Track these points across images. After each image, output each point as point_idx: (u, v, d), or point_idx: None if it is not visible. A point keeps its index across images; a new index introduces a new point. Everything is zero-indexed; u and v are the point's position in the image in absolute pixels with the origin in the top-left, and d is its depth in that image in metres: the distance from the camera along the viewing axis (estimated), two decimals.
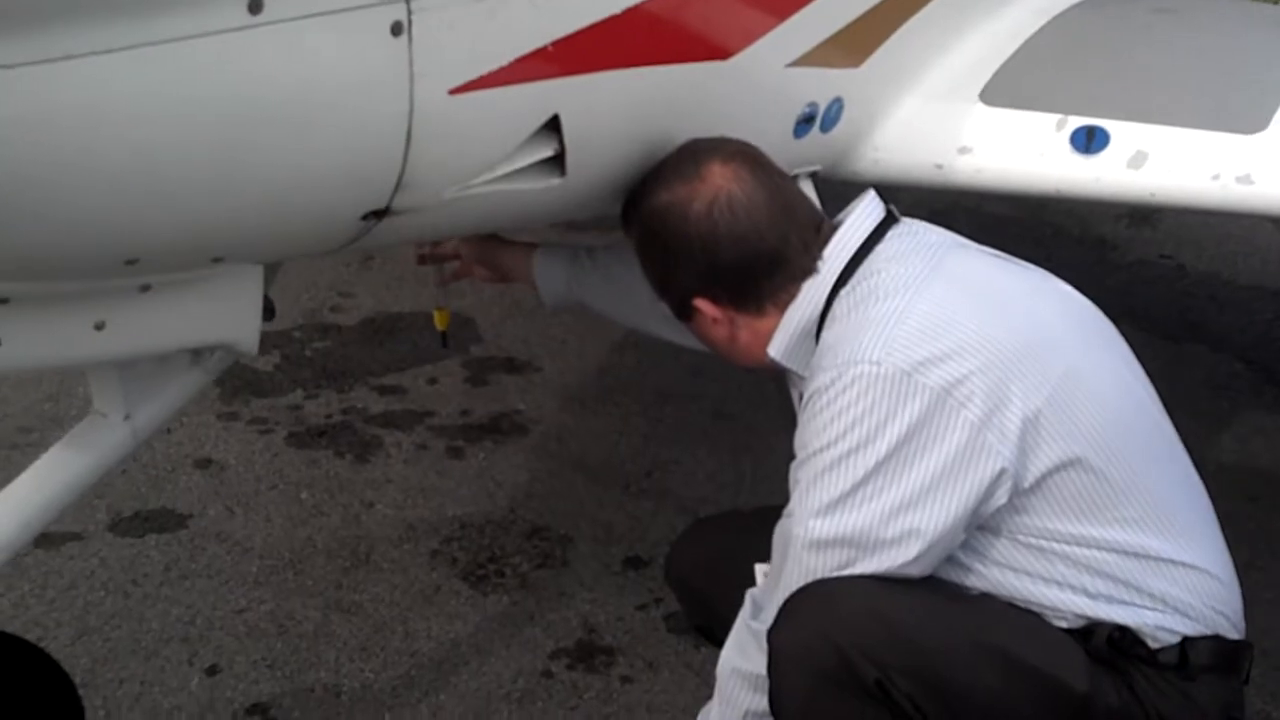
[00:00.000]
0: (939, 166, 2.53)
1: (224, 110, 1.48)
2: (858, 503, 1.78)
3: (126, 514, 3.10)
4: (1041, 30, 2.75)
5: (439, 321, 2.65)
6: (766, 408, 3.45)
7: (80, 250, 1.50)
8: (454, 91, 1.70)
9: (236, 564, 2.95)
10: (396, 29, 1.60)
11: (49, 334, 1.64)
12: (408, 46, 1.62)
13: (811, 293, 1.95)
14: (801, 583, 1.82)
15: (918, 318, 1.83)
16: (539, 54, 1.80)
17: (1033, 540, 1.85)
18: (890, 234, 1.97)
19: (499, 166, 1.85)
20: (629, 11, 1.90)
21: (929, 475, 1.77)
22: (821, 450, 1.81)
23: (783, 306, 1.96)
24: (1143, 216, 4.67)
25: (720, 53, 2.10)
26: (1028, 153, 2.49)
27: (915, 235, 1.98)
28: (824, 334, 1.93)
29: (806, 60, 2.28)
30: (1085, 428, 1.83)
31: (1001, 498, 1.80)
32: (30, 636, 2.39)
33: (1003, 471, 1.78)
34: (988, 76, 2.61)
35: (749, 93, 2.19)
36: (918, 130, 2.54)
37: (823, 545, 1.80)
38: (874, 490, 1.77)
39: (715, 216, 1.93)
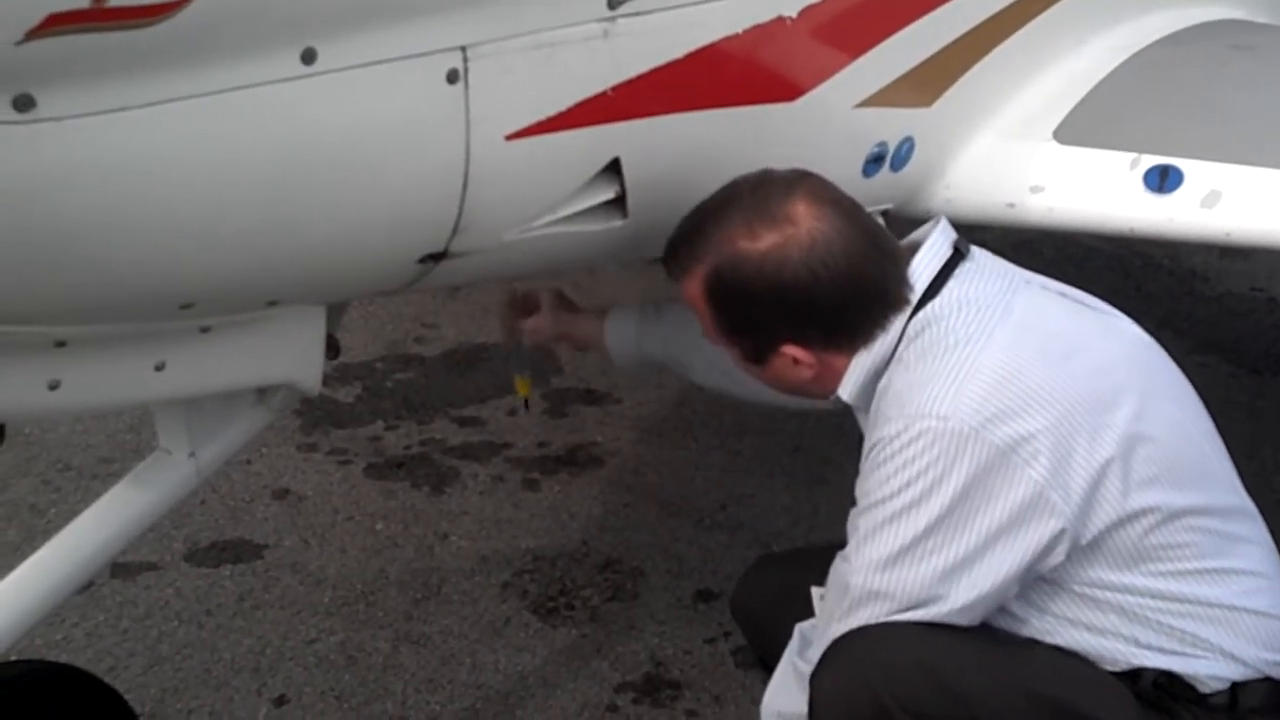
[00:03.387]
0: (1011, 205, 2.49)
1: (277, 159, 1.50)
2: (916, 559, 1.76)
3: (203, 544, 3.15)
4: (1118, 68, 2.71)
5: (521, 389, 2.62)
6: (843, 442, 3.41)
7: (135, 296, 1.53)
8: (511, 137, 1.71)
9: (309, 595, 2.98)
10: (452, 76, 1.62)
11: (109, 375, 1.67)
12: (464, 93, 1.63)
13: (887, 334, 1.91)
14: (849, 628, 1.81)
15: (987, 371, 1.80)
16: (598, 99, 1.80)
17: (1085, 590, 1.82)
18: (959, 271, 1.94)
19: (559, 209, 1.86)
20: (690, 56, 1.90)
21: (988, 532, 1.75)
22: (883, 502, 1.80)
23: (874, 340, 1.91)
24: (1234, 248, 4.58)
25: (786, 94, 2.10)
26: (1100, 192, 2.45)
27: (983, 274, 1.94)
28: (891, 377, 1.89)
29: (876, 100, 2.26)
30: (1149, 480, 1.80)
31: (1059, 556, 1.77)
32: (102, 667, 2.44)
33: (1063, 531, 1.76)
34: (1062, 115, 2.57)
35: (816, 133, 2.17)
36: (990, 169, 2.51)
37: (876, 597, 1.78)
38: (933, 547, 1.76)
39: (814, 263, 1.86)
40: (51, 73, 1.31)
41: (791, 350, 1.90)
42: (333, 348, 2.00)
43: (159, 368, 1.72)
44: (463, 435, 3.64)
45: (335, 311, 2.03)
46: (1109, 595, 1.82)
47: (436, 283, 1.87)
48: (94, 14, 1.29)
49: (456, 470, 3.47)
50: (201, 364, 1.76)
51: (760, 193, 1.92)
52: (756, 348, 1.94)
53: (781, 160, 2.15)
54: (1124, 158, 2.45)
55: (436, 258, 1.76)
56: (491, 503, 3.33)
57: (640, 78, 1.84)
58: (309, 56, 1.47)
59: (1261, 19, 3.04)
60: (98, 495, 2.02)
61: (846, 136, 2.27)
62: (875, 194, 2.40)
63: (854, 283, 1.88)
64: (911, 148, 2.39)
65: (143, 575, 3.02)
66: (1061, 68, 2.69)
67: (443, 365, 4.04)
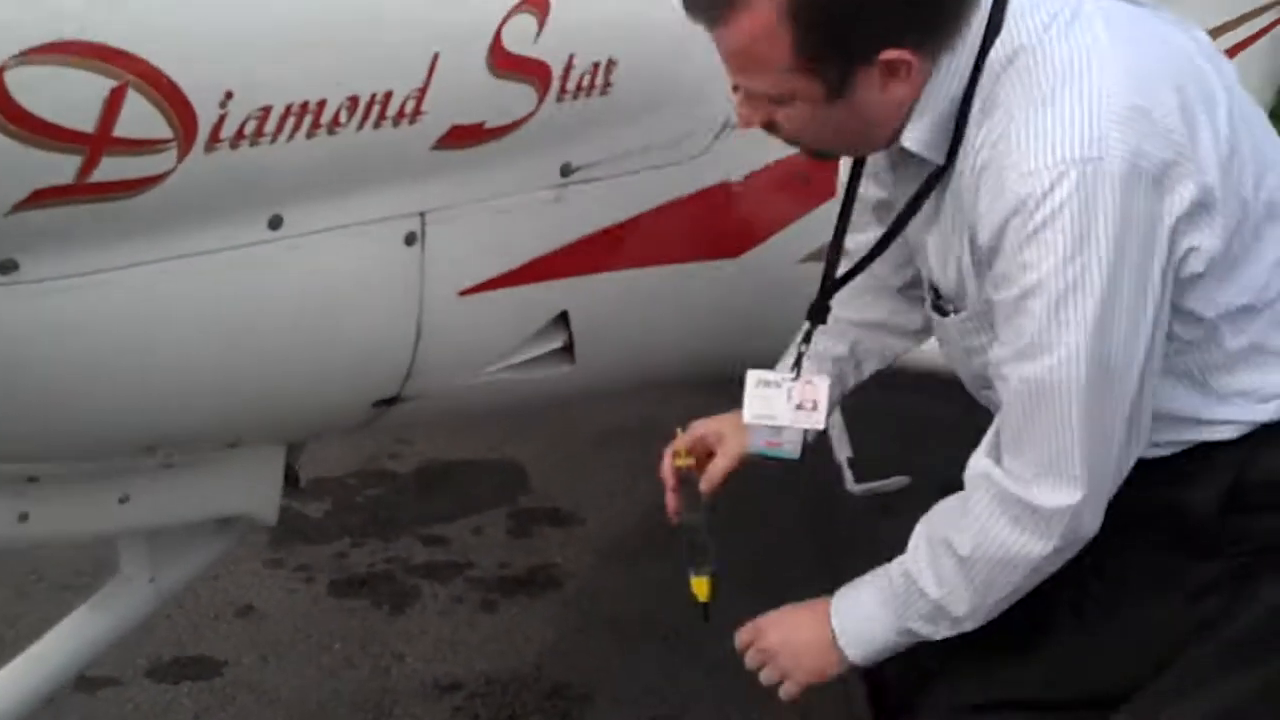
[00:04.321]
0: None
1: (243, 316, 1.62)
2: (1122, 312, 1.57)
3: (165, 659, 3.21)
4: None
5: (699, 591, 1.92)
6: (802, 564, 3.50)
7: (104, 440, 1.64)
8: (464, 293, 1.84)
9: (263, 714, 3.02)
10: (410, 239, 1.75)
11: (75, 508, 1.78)
12: (420, 254, 1.77)
13: (956, 60, 1.63)
14: (1078, 429, 1.60)
15: (1119, 94, 1.56)
16: (549, 257, 1.94)
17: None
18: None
19: (509, 358, 1.99)
20: (639, 217, 2.04)
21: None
22: (1062, 266, 1.55)
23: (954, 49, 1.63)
24: None
25: (730, 251, 2.24)
26: None
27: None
28: (994, 126, 1.61)
29: (819, 255, 2.39)
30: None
31: (1205, 231, 1.60)
32: None
33: (1205, 189, 1.58)
34: None
35: (759, 288, 2.30)
36: None
37: (1103, 370, 1.58)
38: (1131, 290, 1.57)
39: None
40: (35, 239, 1.43)
41: (892, 55, 1.58)
42: (292, 480, 2.10)
43: (123, 500, 1.83)
44: (427, 554, 3.72)
45: (295, 445, 2.14)
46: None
47: (391, 424, 1.99)
48: (79, 189, 1.41)
49: (418, 589, 3.54)
50: (164, 497, 1.86)
51: None
52: (846, 67, 1.59)
53: (725, 313, 2.28)
54: None
55: (390, 402, 1.87)
56: (449, 624, 3.40)
57: (589, 237, 1.98)
58: (276, 222, 1.60)
59: None
60: (70, 606, 2.10)
61: (789, 290, 2.39)
62: None
63: None
64: None
65: (104, 690, 3.07)
66: None
67: (414, 482, 4.12)
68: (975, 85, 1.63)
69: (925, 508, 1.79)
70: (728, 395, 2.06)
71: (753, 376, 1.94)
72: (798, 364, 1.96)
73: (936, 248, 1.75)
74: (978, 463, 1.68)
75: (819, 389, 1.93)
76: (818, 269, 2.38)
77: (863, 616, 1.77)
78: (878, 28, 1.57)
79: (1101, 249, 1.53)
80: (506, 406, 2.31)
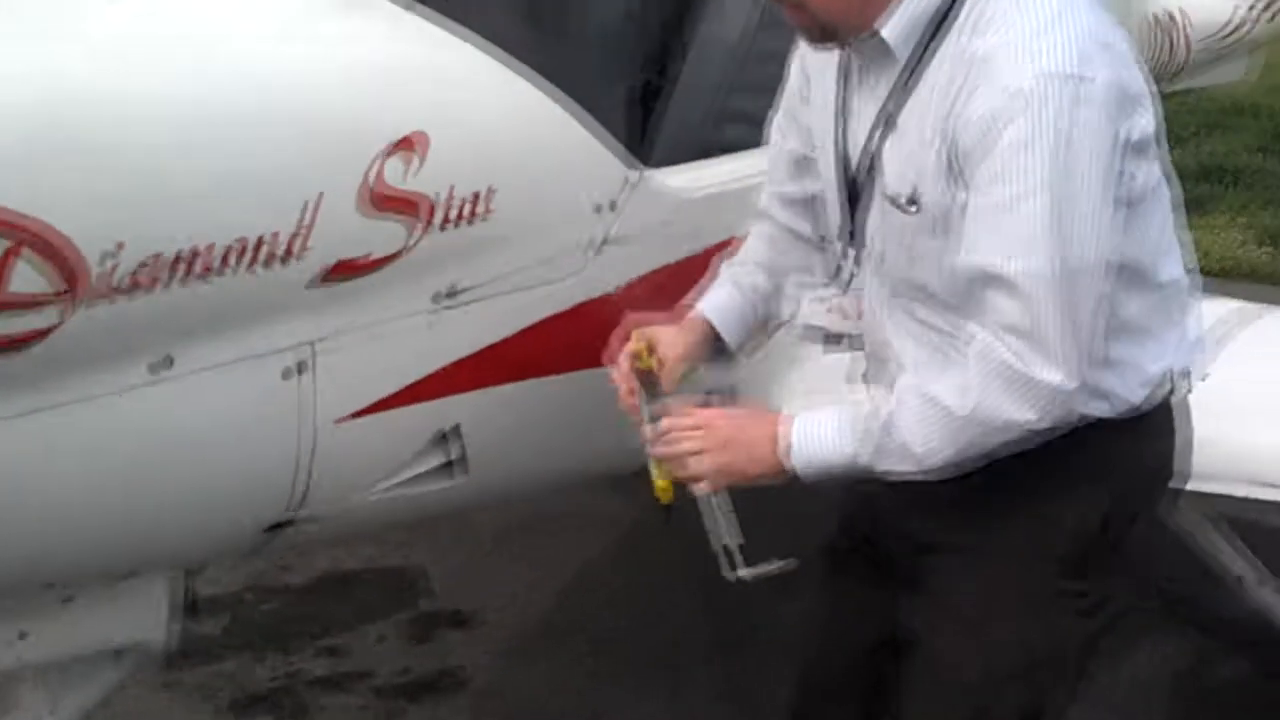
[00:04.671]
0: None
1: (136, 453, 1.68)
2: (1095, 205, 1.73)
3: None
4: None
5: (663, 494, 1.95)
6: (701, 651, 3.56)
7: (3, 579, 1.67)
8: (351, 417, 1.91)
9: None
10: (297, 369, 1.82)
11: None
12: (308, 383, 1.83)
13: None
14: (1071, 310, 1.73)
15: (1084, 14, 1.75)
16: (433, 377, 2.01)
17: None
18: None
19: (398, 474, 2.05)
20: (520, 333, 2.13)
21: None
22: (1036, 166, 1.69)
23: None
24: None
25: (611, 359, 2.31)
26: None
27: None
28: (973, 39, 1.75)
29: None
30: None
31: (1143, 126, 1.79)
32: None
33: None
34: None
35: None
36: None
37: (1083, 265, 1.72)
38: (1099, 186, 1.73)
39: None
40: None
41: None
42: (190, 603, 2.13)
43: (22, 636, 1.85)
44: (328, 665, 3.71)
45: (192, 570, 2.17)
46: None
47: (286, 545, 2.04)
48: None
49: (319, 702, 3.53)
50: (63, 630, 1.89)
51: None
52: None
53: (610, 415, 2.36)
54: None
55: (282, 526, 1.93)
56: None
57: (473, 356, 2.06)
58: (166, 363, 1.66)
59: None
60: None
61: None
62: None
63: None
64: (734, 394, 2.61)
65: None
66: None
67: (311, 592, 4.11)
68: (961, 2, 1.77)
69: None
70: (624, 487, 2.14)
71: (807, 295, 2.04)
72: (848, 284, 2.00)
73: (895, 152, 1.82)
74: (982, 336, 1.75)
75: (862, 300, 1.99)
76: None
77: (820, 439, 1.83)
78: None
79: (1088, 156, 1.69)
80: (400, 520, 2.37)
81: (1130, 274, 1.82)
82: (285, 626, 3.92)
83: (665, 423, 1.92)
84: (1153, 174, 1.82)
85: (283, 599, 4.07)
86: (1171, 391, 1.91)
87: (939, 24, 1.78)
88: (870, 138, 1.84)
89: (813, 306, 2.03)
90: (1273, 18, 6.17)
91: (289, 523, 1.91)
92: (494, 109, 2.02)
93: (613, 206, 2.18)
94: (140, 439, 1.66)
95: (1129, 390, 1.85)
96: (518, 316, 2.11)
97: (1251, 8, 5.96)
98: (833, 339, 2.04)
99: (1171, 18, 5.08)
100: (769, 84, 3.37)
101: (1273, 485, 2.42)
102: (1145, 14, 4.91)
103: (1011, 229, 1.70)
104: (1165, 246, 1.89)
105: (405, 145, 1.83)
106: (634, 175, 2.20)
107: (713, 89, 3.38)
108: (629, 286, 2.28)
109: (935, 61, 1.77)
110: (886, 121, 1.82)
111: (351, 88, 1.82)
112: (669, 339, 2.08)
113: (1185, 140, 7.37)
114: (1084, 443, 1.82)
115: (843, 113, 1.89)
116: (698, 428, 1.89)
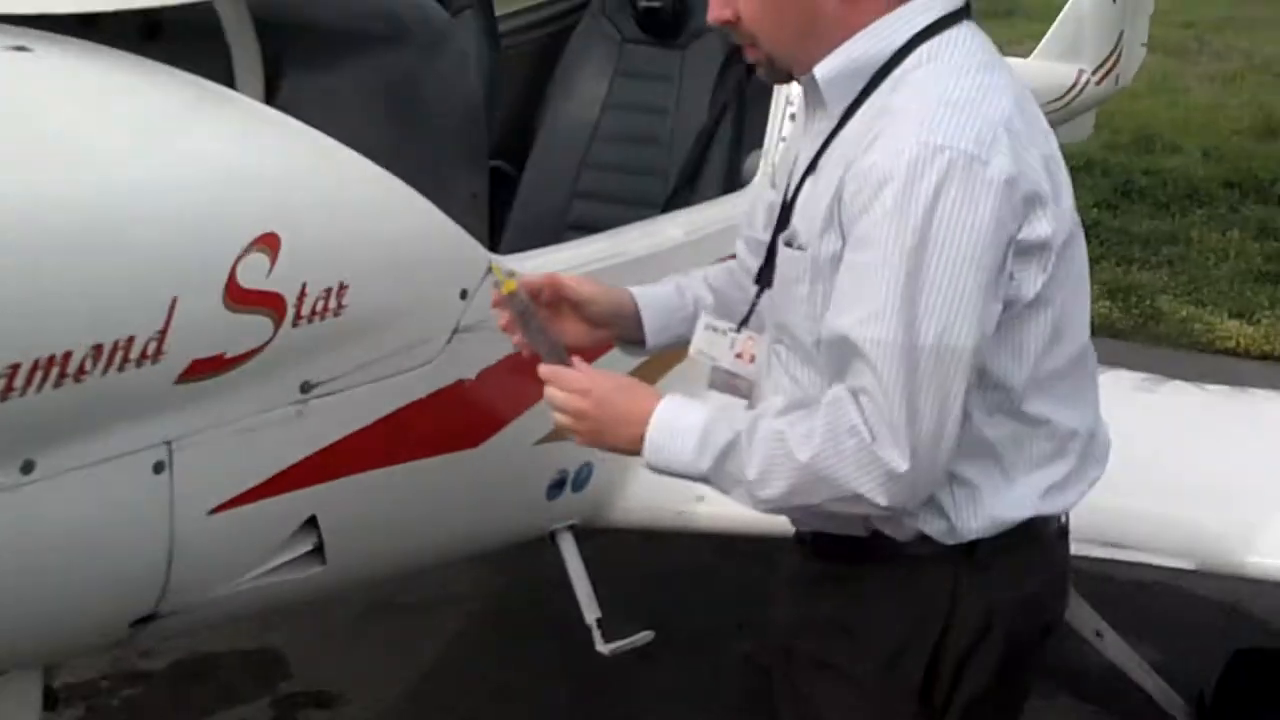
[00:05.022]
0: (680, 513, 2.81)
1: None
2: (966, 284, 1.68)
3: None
4: None
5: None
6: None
7: None
8: (213, 511, 1.94)
9: None
10: (158, 467, 1.85)
11: None
12: (169, 481, 1.86)
13: (896, 27, 1.78)
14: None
15: (1000, 108, 1.72)
16: (294, 469, 2.05)
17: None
18: (966, 23, 1.82)
19: (262, 565, 2.09)
20: (380, 421, 2.18)
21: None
22: (911, 229, 1.66)
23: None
24: None
25: (469, 442, 2.39)
26: None
27: (987, 40, 1.84)
28: (894, 97, 1.74)
29: (553, 436, 2.55)
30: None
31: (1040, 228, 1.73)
32: None
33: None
34: None
35: (499, 472, 2.46)
36: (660, 483, 2.80)
37: (938, 339, 1.68)
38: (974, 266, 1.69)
39: None
40: None
41: None
42: (50, 698, 2.13)
43: None
44: None
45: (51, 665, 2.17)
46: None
47: (152, 637, 2.05)
48: None
49: None
50: None
51: None
52: None
53: (468, 497, 2.43)
54: None
55: (147, 619, 1.95)
56: None
57: (332, 446, 2.11)
58: (28, 467, 1.69)
59: None
60: None
61: (528, 470, 2.56)
62: (560, 513, 2.70)
63: None
64: (590, 471, 2.71)
65: None
66: None
67: (170, 679, 4.07)
68: (898, 62, 1.76)
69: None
70: (487, 562, 2.19)
71: (703, 319, 2.01)
72: (745, 322, 1.99)
73: (808, 196, 1.82)
74: (837, 391, 1.72)
75: (758, 344, 1.97)
76: (553, 448, 2.58)
77: (674, 438, 1.79)
78: None
79: (962, 236, 1.65)
80: (266, 608, 2.39)
81: (994, 387, 1.77)
82: (144, 714, 3.87)
83: (546, 372, 1.89)
84: (1040, 287, 1.74)
85: (140, 686, 4.02)
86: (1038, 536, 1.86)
87: (878, 78, 1.77)
88: (802, 181, 1.84)
89: (708, 336, 2.00)
90: (1099, 81, 6.55)
91: (155, 616, 1.94)
92: (348, 202, 2.07)
93: (465, 295, 2.24)
94: (7, 539, 1.68)
95: (973, 521, 1.80)
96: (376, 406, 2.16)
97: (1095, 71, 6.33)
98: (723, 377, 2.01)
99: None
100: (619, 167, 3.52)
101: (1120, 546, 2.58)
102: None
103: (870, 294, 1.68)
104: (1047, 379, 1.80)
105: (260, 244, 1.88)
106: (485, 262, 2.27)
107: (565, 175, 3.51)
108: (486, 372, 2.35)
109: (859, 112, 1.77)
110: (811, 165, 1.82)
111: (205, 190, 1.86)
112: (587, 283, 2.06)
113: None
114: (939, 572, 1.80)
115: (795, 156, 1.90)
116: (576, 390, 1.86)
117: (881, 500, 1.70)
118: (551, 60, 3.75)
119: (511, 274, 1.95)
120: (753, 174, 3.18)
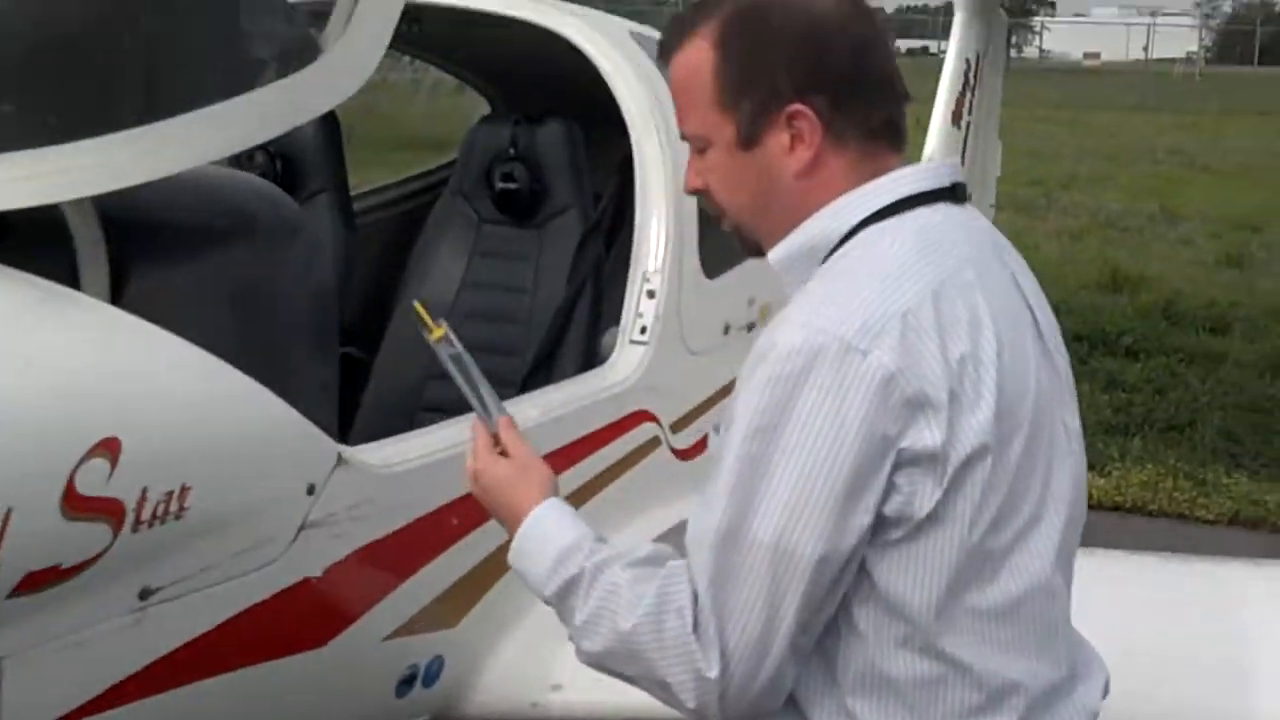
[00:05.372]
0: (534, 704, 2.79)
1: None
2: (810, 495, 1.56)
3: None
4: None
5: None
6: None
7: None
8: None
9: None
10: None
11: None
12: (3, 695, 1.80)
13: (846, 210, 1.67)
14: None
15: (896, 316, 1.56)
16: (132, 679, 2.00)
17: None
18: (942, 205, 1.69)
19: None
20: (221, 626, 2.13)
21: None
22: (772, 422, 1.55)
23: (858, 167, 1.68)
24: None
25: (316, 642, 2.35)
26: (611, 683, 2.77)
27: (966, 227, 1.70)
28: (816, 281, 1.64)
29: (403, 630, 2.54)
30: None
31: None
32: None
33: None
34: None
35: (346, 671, 2.42)
36: (514, 674, 2.81)
37: (776, 539, 1.55)
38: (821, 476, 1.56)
39: (845, 8, 1.69)
40: None
41: (797, 109, 1.65)
42: None
43: None
44: None
45: None
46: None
47: None
48: None
49: None
50: None
51: None
52: (759, 111, 1.67)
53: (316, 697, 2.37)
54: None
55: None
56: None
57: (173, 653, 2.06)
58: None
59: None
60: None
61: (377, 667, 2.53)
62: (411, 709, 2.66)
63: (875, 51, 1.70)
64: (441, 665, 2.67)
65: None
66: None
67: None
68: (845, 242, 1.65)
69: None
70: None
71: None
72: None
73: None
74: (676, 566, 1.63)
75: None
76: (402, 643, 2.54)
77: (536, 548, 1.73)
78: (787, 73, 1.65)
79: (815, 431, 1.51)
80: None
81: (894, 614, 1.58)
82: None
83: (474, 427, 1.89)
84: (934, 505, 1.54)
85: None
86: None
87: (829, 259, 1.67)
88: None
89: None
90: None
91: None
92: (191, 401, 2.05)
93: (312, 490, 2.23)
94: None
95: None
96: (218, 610, 2.12)
97: None
98: None
99: None
100: (477, 347, 3.51)
101: None
102: None
103: (715, 476, 1.58)
104: (968, 617, 1.58)
105: (100, 449, 1.85)
106: (333, 456, 2.26)
107: (420, 356, 3.50)
108: (333, 568, 2.32)
109: None
110: None
111: (45, 396, 1.83)
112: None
113: None
114: None
115: None
116: (469, 469, 1.86)
117: (689, 701, 1.58)
118: (408, 238, 3.78)
119: (439, 321, 1.93)
120: (610, 351, 3.22)
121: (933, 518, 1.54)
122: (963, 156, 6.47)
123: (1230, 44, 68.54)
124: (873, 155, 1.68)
